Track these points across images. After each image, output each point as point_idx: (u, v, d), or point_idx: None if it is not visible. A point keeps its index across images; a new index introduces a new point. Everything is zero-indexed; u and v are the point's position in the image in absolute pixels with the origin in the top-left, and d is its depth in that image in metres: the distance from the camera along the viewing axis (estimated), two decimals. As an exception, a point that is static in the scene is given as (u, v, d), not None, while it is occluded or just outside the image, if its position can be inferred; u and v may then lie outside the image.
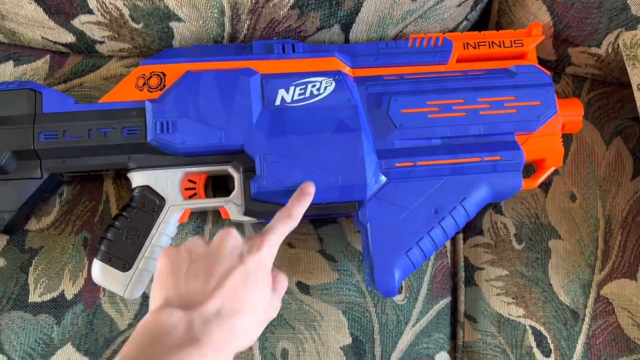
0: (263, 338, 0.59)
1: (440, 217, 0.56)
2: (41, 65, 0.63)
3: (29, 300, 0.57)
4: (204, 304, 0.42)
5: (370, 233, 0.55)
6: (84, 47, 0.62)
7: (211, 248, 0.46)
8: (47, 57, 0.64)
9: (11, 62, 0.63)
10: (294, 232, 0.62)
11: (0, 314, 0.57)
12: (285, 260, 0.61)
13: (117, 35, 0.60)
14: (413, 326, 0.63)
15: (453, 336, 0.67)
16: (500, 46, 0.61)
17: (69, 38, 0.61)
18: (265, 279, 0.46)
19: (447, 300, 0.66)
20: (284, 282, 0.50)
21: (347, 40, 0.63)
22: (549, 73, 0.61)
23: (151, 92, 0.55)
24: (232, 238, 0.46)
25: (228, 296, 0.43)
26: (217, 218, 0.62)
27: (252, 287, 0.45)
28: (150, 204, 0.55)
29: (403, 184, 0.56)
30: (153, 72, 0.56)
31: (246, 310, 0.44)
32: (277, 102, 0.56)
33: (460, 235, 0.69)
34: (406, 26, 0.62)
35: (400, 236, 0.55)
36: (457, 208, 0.57)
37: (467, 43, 0.61)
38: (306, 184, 0.53)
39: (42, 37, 0.61)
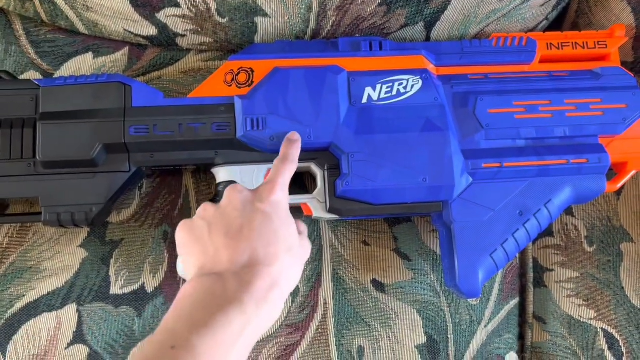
0: (339, 335, 0.59)
1: (525, 219, 0.56)
2: (120, 57, 0.63)
3: (110, 292, 0.58)
4: (235, 257, 0.42)
5: (455, 233, 0.55)
6: (165, 40, 0.62)
7: (223, 207, 0.46)
8: (126, 49, 0.64)
9: (91, 53, 0.63)
10: (368, 230, 0.63)
11: (83, 305, 0.57)
12: (360, 258, 0.62)
13: (200, 29, 0.60)
14: (485, 326, 0.63)
15: (520, 337, 0.67)
16: (583, 47, 0.61)
17: (151, 31, 0.61)
18: (288, 218, 0.47)
19: (516, 300, 0.66)
20: (303, 224, 0.51)
21: (428, 38, 0.62)
22: (633, 75, 0.60)
23: (240, 87, 0.55)
24: (240, 192, 0.46)
25: (258, 241, 0.43)
26: (294, 214, 0.61)
27: (279, 227, 0.45)
28: (236, 200, 0.55)
29: (488, 185, 0.56)
30: (241, 67, 0.55)
31: (281, 251, 0.44)
32: (364, 100, 0.56)
33: (530, 236, 0.68)
34: (488, 25, 0.61)
35: (485, 237, 0.55)
36: (541, 210, 0.56)
37: (551, 43, 0.60)
38: (291, 133, 0.52)
39: (125, 29, 0.61)
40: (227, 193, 0.46)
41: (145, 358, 0.37)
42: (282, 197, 0.47)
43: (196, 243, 0.45)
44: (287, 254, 0.45)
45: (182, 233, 0.46)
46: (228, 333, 0.39)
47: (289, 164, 0.49)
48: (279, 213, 0.46)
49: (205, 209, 0.46)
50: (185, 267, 0.46)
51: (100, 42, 0.64)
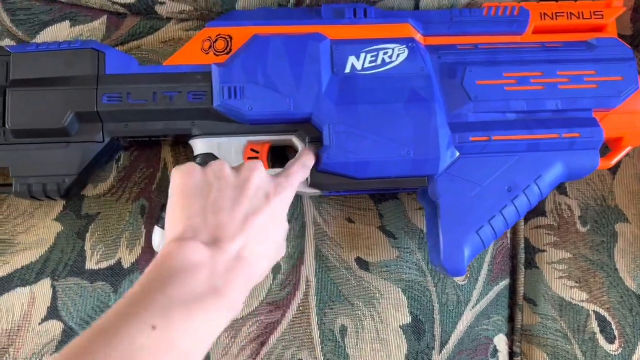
0: (322, 313, 0.57)
1: (513, 195, 0.54)
2: (98, 26, 0.61)
3: (86, 268, 0.56)
4: (230, 242, 0.40)
5: (440, 209, 0.53)
6: (143, 8, 0.60)
7: (239, 180, 0.44)
8: (104, 18, 0.61)
9: (68, 22, 0.61)
10: (353, 207, 0.61)
11: (58, 280, 0.56)
12: (344, 236, 0.60)
13: (179, -4, 0.58)
14: (473, 307, 0.61)
15: (510, 319, 0.65)
16: (579, 17, 0.58)
17: (129, -2, 0.59)
18: (285, 221, 0.46)
19: (506, 282, 0.64)
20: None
21: (417, 7, 0.60)
22: (630, 47, 0.57)
23: (217, 55, 0.53)
24: (260, 174, 0.45)
25: (253, 237, 0.42)
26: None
27: (274, 230, 0.44)
28: (214, 173, 0.53)
29: (476, 160, 0.54)
30: (219, 35, 0.53)
31: (267, 255, 0.44)
32: (347, 70, 0.53)
33: (522, 216, 0.66)
34: (479, -6, 0.59)
35: (471, 214, 0.53)
36: (531, 187, 0.54)
37: (545, 13, 0.58)
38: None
39: (101, -4, 0.59)
40: (250, 169, 0.44)
41: (128, 334, 0.34)
42: (290, 197, 0.46)
43: (197, 198, 0.41)
44: (269, 259, 0.44)
45: (188, 176, 0.43)
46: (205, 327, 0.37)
47: (305, 169, 0.50)
48: (281, 215, 0.45)
49: (223, 169, 0.43)
50: (174, 212, 0.42)
51: (78, 11, 0.61)
